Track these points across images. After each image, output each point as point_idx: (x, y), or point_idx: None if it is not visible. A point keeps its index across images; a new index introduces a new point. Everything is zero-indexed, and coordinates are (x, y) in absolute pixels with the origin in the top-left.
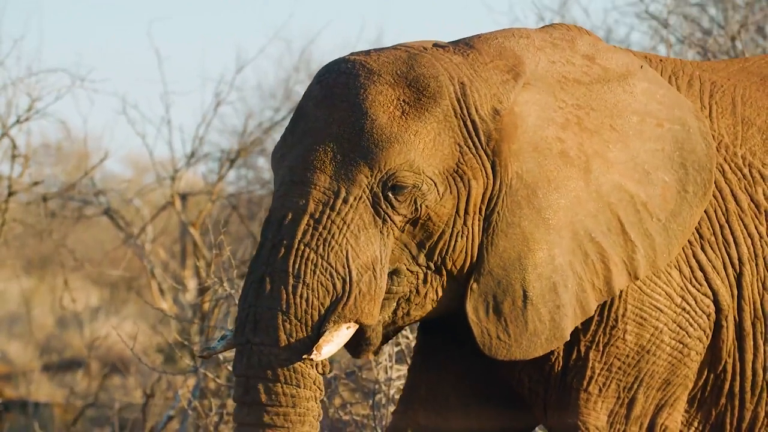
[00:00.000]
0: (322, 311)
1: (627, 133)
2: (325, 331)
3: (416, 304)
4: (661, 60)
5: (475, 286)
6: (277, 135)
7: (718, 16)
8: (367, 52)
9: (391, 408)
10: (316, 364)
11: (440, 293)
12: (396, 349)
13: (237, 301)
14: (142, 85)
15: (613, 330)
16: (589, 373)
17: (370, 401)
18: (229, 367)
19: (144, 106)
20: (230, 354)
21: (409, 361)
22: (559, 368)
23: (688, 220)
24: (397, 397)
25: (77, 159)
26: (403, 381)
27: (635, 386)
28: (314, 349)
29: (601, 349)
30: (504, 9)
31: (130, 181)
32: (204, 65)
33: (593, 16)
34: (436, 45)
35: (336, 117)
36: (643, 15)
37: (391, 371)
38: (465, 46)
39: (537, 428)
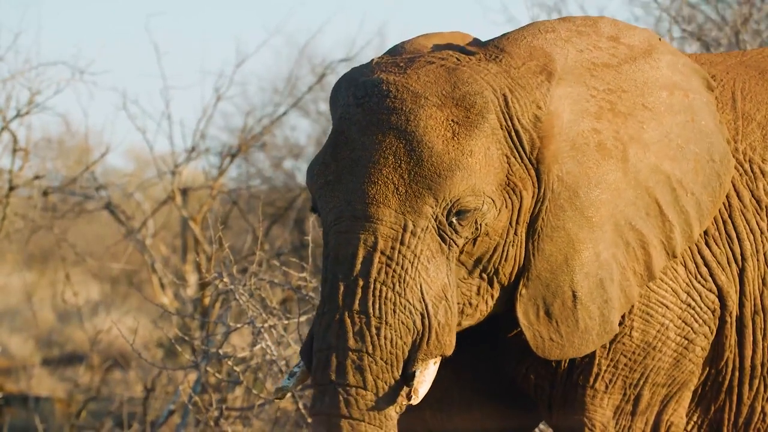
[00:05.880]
0: (406, 350)
1: (659, 109)
2: (415, 371)
3: (468, 315)
4: None
5: (524, 291)
6: (278, 130)
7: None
8: (402, 70)
9: None
10: (396, 406)
11: (490, 303)
12: None
13: (237, 297)
14: (142, 80)
15: (619, 326)
16: (595, 369)
17: None
18: (230, 363)
19: (144, 101)
20: (231, 350)
21: None
22: (565, 365)
23: (718, 190)
24: None
25: (78, 153)
26: None
27: (641, 382)
28: (412, 393)
29: (607, 345)
30: (498, 7)
31: (131, 175)
32: (204, 59)
33: (589, 13)
34: (462, 51)
35: (387, 145)
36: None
37: None
38: (495, 49)
39: (539, 426)
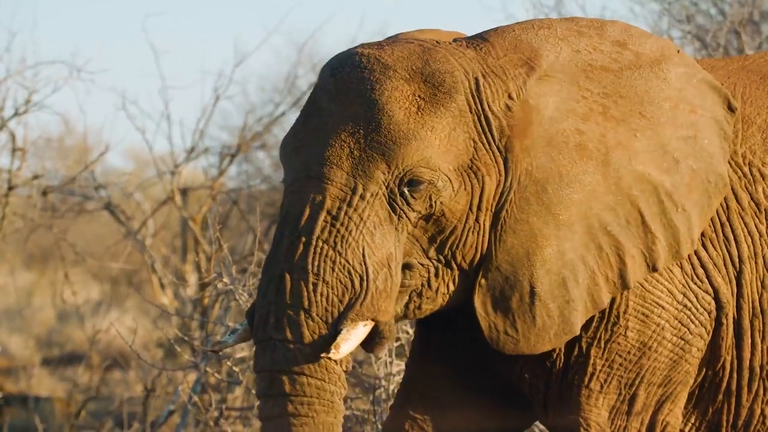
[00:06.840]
0: (341, 308)
1: (658, 120)
2: (342, 329)
3: (428, 298)
4: None
5: (483, 281)
6: (278, 130)
7: (717, 12)
8: (380, 46)
9: (391, 403)
10: (340, 361)
11: (451, 287)
12: (396, 344)
13: (237, 297)
14: (141, 80)
15: (614, 326)
16: (590, 369)
17: (371, 396)
18: (229, 363)
19: (144, 101)
20: (230, 350)
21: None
22: (561, 364)
23: (707, 210)
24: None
25: (78, 153)
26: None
27: (636, 382)
28: (332, 347)
29: (602, 345)
30: (498, 6)
31: (130, 174)
32: (203, 59)
33: (590, 13)
34: (455, 40)
35: (351, 112)
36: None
37: (391, 366)
38: (480, 40)
39: (533, 426)
